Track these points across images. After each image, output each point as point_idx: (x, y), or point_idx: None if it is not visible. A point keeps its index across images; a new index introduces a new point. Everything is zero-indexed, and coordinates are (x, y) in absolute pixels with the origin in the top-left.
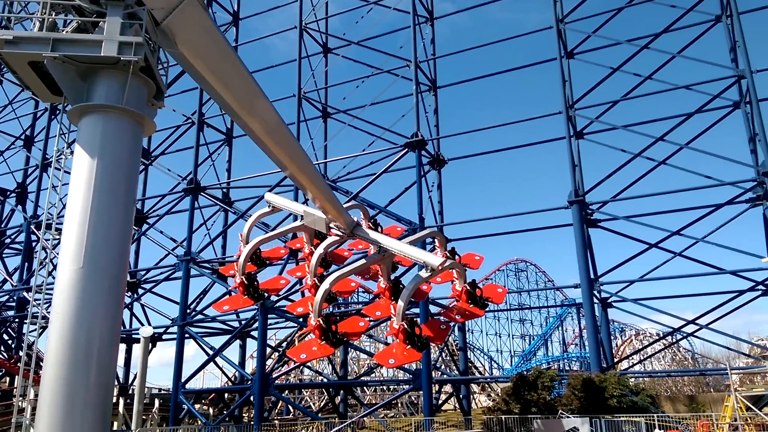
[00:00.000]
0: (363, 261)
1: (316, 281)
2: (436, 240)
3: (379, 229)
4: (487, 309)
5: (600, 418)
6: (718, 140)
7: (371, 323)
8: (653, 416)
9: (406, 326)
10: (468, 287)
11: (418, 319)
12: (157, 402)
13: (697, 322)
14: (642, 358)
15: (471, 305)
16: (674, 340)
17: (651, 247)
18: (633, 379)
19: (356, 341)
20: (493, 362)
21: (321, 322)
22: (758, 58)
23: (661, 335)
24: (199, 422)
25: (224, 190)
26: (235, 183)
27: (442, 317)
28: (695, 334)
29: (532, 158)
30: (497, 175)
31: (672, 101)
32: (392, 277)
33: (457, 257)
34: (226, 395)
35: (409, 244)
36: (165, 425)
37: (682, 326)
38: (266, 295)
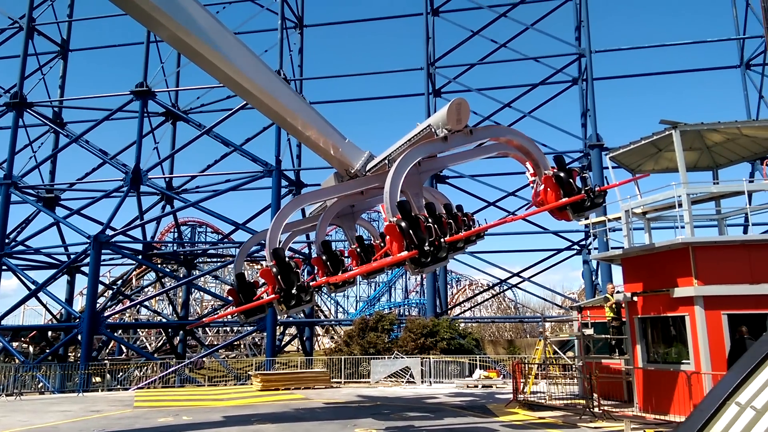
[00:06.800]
0: (352, 182)
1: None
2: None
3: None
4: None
5: (430, 358)
6: (559, 112)
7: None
8: (476, 357)
9: (397, 222)
10: (554, 173)
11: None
12: None
13: (521, 275)
14: (472, 305)
15: (564, 195)
16: (501, 290)
17: (489, 205)
18: (462, 324)
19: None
20: (339, 306)
21: (273, 267)
22: (599, 39)
23: (490, 285)
24: (17, 360)
25: (56, 109)
26: (69, 102)
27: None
28: (519, 285)
29: (393, 111)
30: (358, 119)
31: (526, 72)
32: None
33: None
34: (49, 333)
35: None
36: None
37: (508, 278)
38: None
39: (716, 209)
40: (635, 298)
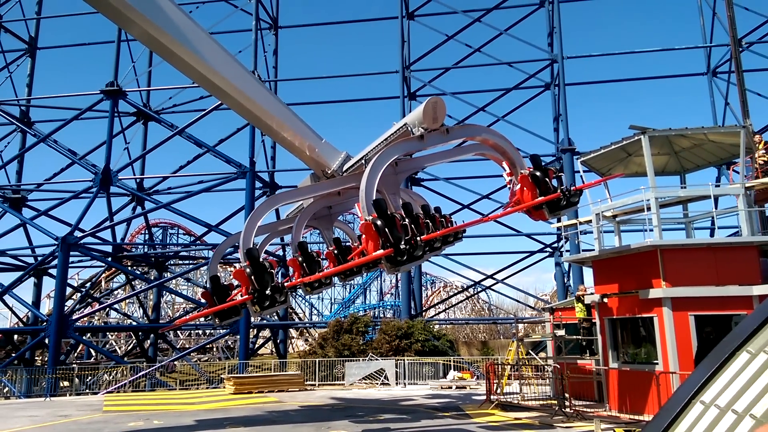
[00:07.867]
0: (331, 181)
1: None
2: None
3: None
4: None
5: (405, 359)
6: (532, 117)
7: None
8: (450, 358)
9: (373, 221)
10: (530, 172)
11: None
12: None
13: (495, 277)
14: (447, 307)
15: (540, 194)
16: (475, 292)
17: (464, 207)
18: (437, 326)
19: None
20: (313, 309)
21: (247, 267)
22: (571, 45)
23: (465, 287)
24: None
25: (23, 107)
26: (37, 101)
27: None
28: (493, 287)
29: (368, 114)
30: (333, 121)
31: (500, 77)
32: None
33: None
34: (16, 337)
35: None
36: None
37: (482, 280)
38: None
39: (684, 213)
40: (606, 300)
